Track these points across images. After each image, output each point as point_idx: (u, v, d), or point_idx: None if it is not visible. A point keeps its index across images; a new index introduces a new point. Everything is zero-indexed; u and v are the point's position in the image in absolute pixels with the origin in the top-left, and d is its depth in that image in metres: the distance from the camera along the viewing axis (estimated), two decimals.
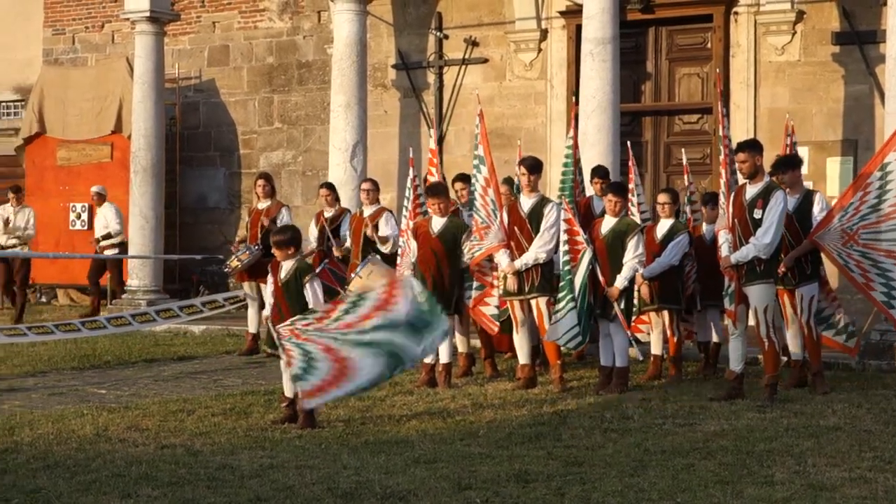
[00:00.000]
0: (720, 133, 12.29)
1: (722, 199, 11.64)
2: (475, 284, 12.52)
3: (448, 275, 12.34)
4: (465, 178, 13.70)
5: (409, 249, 12.62)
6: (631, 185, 12.87)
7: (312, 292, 10.18)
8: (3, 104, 24.36)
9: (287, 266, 10.35)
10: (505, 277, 12.20)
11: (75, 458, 8.86)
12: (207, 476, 8.26)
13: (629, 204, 12.52)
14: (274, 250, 10.51)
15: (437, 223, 12.44)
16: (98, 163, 21.45)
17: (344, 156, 17.58)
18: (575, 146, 13.29)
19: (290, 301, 10.20)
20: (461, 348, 13.20)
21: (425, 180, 13.36)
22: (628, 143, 14.66)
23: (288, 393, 10.38)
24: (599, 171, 13.52)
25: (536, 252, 12.10)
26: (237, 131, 21.57)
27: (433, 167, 13.64)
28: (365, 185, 14.74)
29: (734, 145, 11.64)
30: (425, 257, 12.36)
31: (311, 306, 10.08)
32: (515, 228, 12.22)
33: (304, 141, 20.95)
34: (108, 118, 21.35)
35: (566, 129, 17.65)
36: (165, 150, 20.20)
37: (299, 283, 10.21)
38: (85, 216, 21.36)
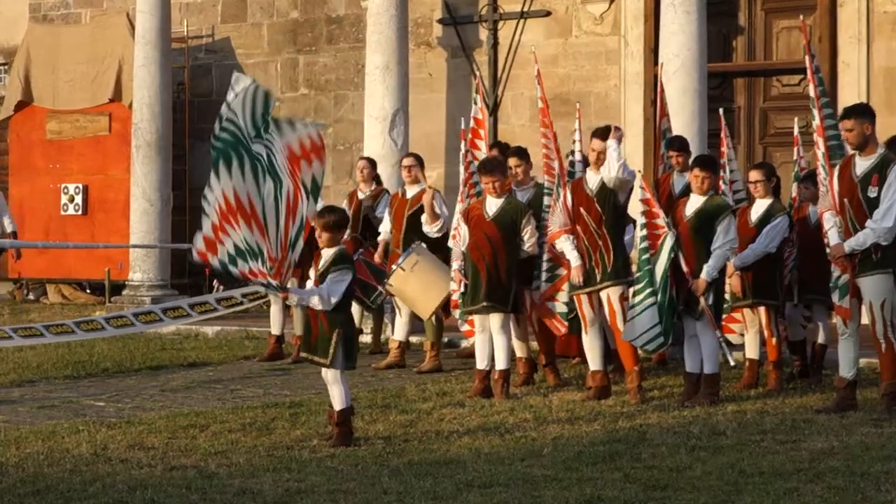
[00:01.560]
0: (812, 94, 11.89)
1: (822, 173, 11.48)
2: (545, 276, 12.43)
3: (505, 265, 12.27)
4: (521, 153, 13.28)
5: (461, 236, 12.55)
6: (723, 160, 12.76)
7: (332, 280, 9.91)
8: None
9: (328, 254, 10.19)
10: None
11: (69, 482, 8.88)
12: (224, 502, 8.27)
13: (720, 181, 12.43)
14: (319, 234, 10.25)
15: (493, 205, 12.38)
16: (94, 136, 21.59)
17: (382, 126, 17.57)
18: (662, 114, 13.17)
19: None
20: (520, 353, 13.16)
21: (467, 154, 13.17)
22: (720, 110, 14.50)
23: (337, 406, 10.22)
24: (675, 143, 13.35)
25: None
26: None
27: (479, 140, 13.54)
28: (406, 161, 14.73)
29: (840, 109, 11.52)
30: (478, 244, 12.30)
31: (323, 296, 9.89)
32: (581, 210, 12.12)
33: (335, 109, 20.99)
34: (105, 84, 21.46)
35: (643, 93, 17.69)
36: (173, 121, 20.28)
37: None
38: (79, 199, 21.47)
